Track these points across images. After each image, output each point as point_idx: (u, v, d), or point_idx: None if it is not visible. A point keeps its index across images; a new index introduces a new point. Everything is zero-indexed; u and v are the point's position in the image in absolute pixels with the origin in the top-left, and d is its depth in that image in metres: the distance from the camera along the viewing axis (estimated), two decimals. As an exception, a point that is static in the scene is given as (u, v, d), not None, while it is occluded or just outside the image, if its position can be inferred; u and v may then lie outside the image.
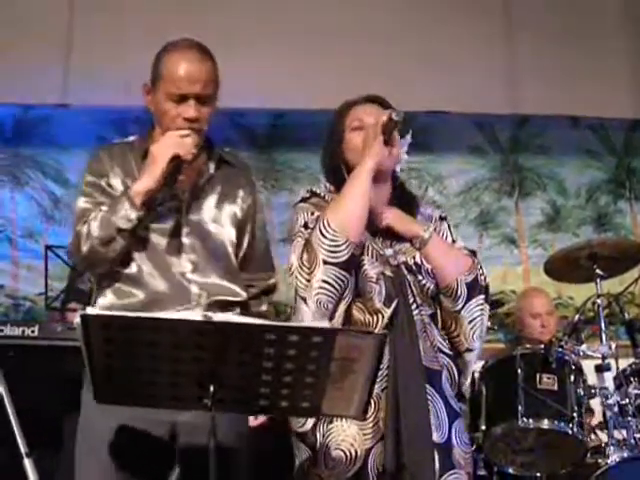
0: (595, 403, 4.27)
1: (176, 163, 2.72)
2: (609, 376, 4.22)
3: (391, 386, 2.67)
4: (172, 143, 2.72)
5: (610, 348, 4.23)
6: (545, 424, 3.91)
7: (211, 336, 2.08)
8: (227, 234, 2.90)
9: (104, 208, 2.73)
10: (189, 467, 2.67)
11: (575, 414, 3.94)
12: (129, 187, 2.74)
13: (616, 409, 4.07)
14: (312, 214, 2.79)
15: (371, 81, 5.62)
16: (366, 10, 5.96)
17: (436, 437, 2.68)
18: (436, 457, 2.66)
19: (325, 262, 2.63)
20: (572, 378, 4.04)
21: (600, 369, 4.21)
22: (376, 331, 2.63)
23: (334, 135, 2.95)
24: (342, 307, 2.69)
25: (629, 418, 4.05)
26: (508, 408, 3.94)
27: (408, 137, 2.90)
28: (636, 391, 4.10)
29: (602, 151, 6.36)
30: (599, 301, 4.40)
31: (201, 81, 2.78)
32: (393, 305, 2.73)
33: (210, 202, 2.89)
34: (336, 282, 2.64)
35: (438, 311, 2.87)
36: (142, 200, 2.70)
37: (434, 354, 2.78)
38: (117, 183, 2.83)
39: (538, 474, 4.14)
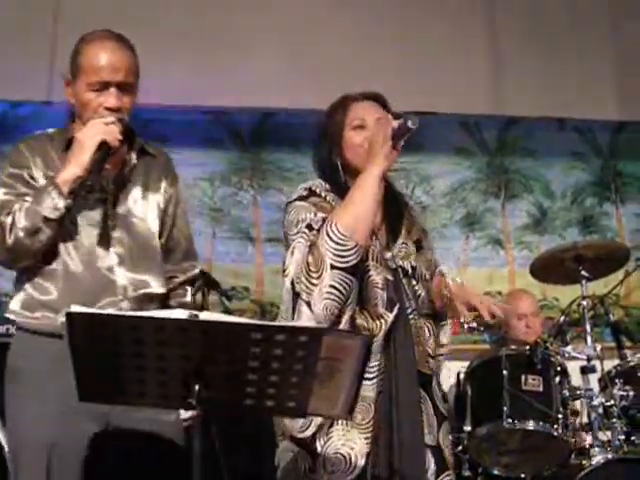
0: (580, 404, 4.27)
1: (103, 150, 2.69)
2: (594, 378, 4.23)
3: (386, 390, 2.67)
4: (98, 130, 2.69)
5: (595, 350, 4.23)
6: (530, 425, 3.93)
7: (196, 334, 2.06)
8: (153, 226, 2.90)
9: (29, 199, 2.70)
10: (123, 459, 2.68)
11: (560, 415, 3.96)
12: (54, 176, 2.70)
13: (601, 410, 4.08)
14: (315, 215, 2.73)
15: (358, 81, 5.61)
16: (354, 11, 5.95)
17: (428, 440, 2.71)
18: (432, 459, 2.69)
19: (333, 267, 2.57)
20: (557, 379, 4.06)
21: (585, 371, 4.22)
22: (379, 336, 2.65)
23: (332, 132, 2.90)
24: (348, 314, 2.65)
25: (614, 420, 4.06)
26: (493, 409, 3.96)
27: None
28: (621, 393, 4.11)
29: (588, 153, 6.36)
30: (584, 303, 4.41)
31: (122, 69, 2.77)
32: (395, 310, 2.72)
33: (135, 194, 2.89)
34: (343, 287, 2.58)
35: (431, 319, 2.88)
36: (70, 188, 2.67)
37: (426, 358, 2.79)
38: (39, 175, 2.79)
39: (523, 475, 4.15)
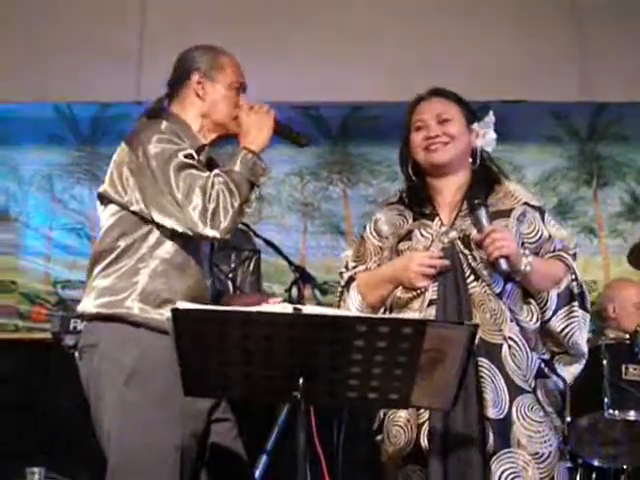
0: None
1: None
2: (696, 366, 4.14)
3: None
4: (271, 114, 2.89)
5: (696, 337, 4.14)
6: (632, 415, 3.88)
7: (302, 328, 2.08)
8: None
9: (236, 169, 2.70)
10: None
11: (662, 405, 3.90)
12: (249, 147, 2.76)
13: None
14: (347, 267, 3.08)
15: (442, 73, 5.58)
16: (434, 3, 5.90)
17: (493, 413, 2.66)
18: (491, 434, 2.65)
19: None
20: (658, 369, 4.00)
21: (686, 359, 4.14)
22: (420, 303, 2.79)
23: (404, 136, 3.03)
24: None
25: None
26: (594, 400, 3.91)
27: (489, 118, 2.96)
28: None
29: (682, 137, 6.23)
30: (684, 290, 4.34)
31: None
32: (435, 283, 2.79)
33: None
34: None
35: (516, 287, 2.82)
36: None
37: (496, 327, 2.75)
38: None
39: (624, 466, 4.09)
